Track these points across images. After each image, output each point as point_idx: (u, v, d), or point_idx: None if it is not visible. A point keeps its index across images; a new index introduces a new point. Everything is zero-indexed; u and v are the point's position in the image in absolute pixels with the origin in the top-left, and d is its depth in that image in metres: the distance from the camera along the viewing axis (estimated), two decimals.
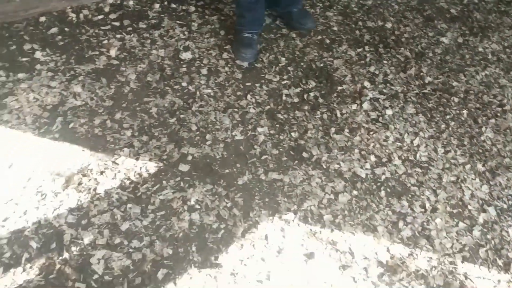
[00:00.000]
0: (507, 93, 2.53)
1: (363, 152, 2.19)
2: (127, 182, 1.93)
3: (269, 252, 1.81)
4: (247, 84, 2.39)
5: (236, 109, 2.27)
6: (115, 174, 1.95)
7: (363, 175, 2.10)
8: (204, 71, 2.41)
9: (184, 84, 2.33)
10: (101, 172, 1.94)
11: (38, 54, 2.32)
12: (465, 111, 2.42)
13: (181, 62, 2.43)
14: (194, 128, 2.16)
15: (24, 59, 2.30)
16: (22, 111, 2.10)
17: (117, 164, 1.98)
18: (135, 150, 2.03)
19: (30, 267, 1.67)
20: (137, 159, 2.01)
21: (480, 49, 2.77)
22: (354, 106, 2.36)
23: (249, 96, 2.33)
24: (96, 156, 1.99)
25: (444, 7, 3.01)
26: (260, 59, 2.51)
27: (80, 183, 1.90)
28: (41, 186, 1.87)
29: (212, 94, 2.31)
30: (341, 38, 2.71)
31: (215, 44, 2.55)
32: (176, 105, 2.24)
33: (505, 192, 2.11)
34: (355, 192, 2.04)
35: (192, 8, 2.72)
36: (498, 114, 2.43)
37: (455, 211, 2.03)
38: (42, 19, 2.49)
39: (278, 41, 2.63)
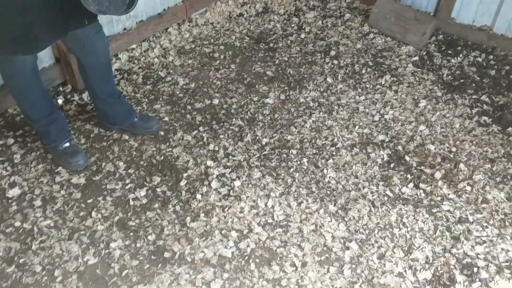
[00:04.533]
0: (335, 131, 2.76)
1: (223, 231, 2.17)
2: None
3: None
4: (89, 201, 2.27)
5: (82, 232, 2.12)
6: None
7: (229, 255, 2.07)
8: (38, 203, 2.23)
9: (17, 224, 2.13)
10: None
11: None
12: (305, 160, 2.57)
13: (10, 201, 2.23)
14: (38, 269, 1.96)
15: None
16: None
17: None
18: None
19: None
20: None
21: (302, 100, 3.01)
22: (204, 188, 2.37)
23: (93, 213, 2.20)
24: None
25: (261, 72, 3.25)
26: (97, 170, 2.42)
27: None
28: None
29: (52, 224, 2.14)
30: (175, 126, 2.75)
31: (45, 169, 2.40)
32: (12, 250, 2.02)
33: (360, 223, 2.24)
34: (226, 275, 1.99)
35: (11, 140, 2.55)
36: (334, 153, 2.62)
37: (322, 258, 2.09)
38: None
39: (112, 147, 2.57)
